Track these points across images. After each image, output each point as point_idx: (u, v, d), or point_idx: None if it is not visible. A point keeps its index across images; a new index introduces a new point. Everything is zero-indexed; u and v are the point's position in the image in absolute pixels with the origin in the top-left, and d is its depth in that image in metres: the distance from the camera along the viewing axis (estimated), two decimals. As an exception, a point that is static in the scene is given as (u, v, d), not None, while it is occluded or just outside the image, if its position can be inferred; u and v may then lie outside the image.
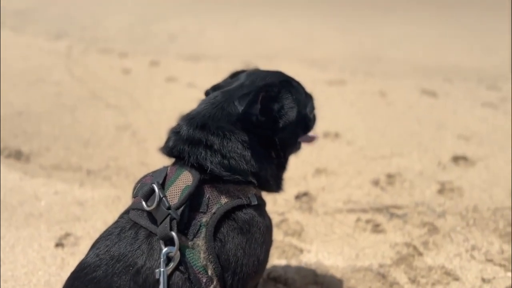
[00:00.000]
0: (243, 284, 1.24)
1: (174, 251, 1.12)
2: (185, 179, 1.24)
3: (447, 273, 2.05)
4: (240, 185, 1.29)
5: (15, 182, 2.79)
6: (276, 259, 2.10)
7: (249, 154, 1.29)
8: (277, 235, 2.29)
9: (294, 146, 1.51)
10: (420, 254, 2.18)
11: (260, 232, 1.28)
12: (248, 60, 5.84)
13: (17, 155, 3.15)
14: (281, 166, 1.46)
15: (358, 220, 2.47)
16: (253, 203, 1.29)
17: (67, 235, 2.29)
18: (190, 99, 4.38)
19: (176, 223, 1.15)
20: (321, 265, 2.08)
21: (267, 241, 1.33)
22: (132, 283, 1.10)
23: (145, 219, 1.20)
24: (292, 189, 2.73)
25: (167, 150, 1.35)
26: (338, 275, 2.02)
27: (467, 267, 2.10)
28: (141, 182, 1.33)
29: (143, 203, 1.20)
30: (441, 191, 2.78)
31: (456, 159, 3.19)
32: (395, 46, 6.89)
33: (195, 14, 8.74)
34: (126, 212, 1.28)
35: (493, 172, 3.02)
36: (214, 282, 1.17)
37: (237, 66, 5.59)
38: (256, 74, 1.47)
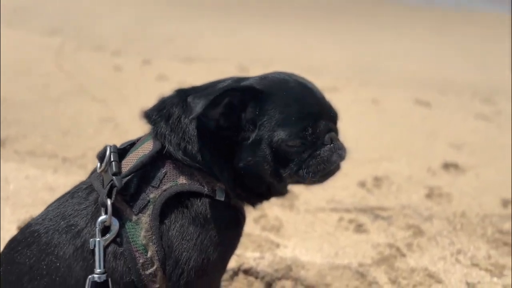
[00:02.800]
0: (188, 281, 1.10)
1: (108, 219, 1.04)
2: (146, 148, 1.16)
3: (430, 275, 1.93)
4: (209, 176, 1.14)
5: (-15, 165, 2.67)
6: (250, 252, 1.98)
7: (202, 143, 1.12)
8: (254, 230, 2.18)
9: (263, 181, 1.19)
10: (403, 255, 2.07)
11: (217, 231, 1.13)
12: (243, 64, 5.77)
13: (-8, 140, 3.03)
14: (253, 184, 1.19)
15: (340, 219, 2.35)
16: (217, 198, 1.13)
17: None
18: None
19: (117, 191, 1.06)
20: (297, 260, 1.95)
21: (225, 244, 1.17)
22: (71, 244, 1.05)
23: (99, 182, 1.13)
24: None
25: (144, 113, 1.23)
26: (314, 271, 1.89)
27: (451, 271, 1.98)
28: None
29: (98, 164, 1.14)
30: (429, 195, 2.67)
31: (447, 166, 3.09)
32: (391, 58, 6.85)
33: (193, 19, 8.70)
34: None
35: (483, 180, 2.93)
36: (155, 266, 1.06)
37: (230, 69, 5.52)
38: (249, 78, 1.23)
